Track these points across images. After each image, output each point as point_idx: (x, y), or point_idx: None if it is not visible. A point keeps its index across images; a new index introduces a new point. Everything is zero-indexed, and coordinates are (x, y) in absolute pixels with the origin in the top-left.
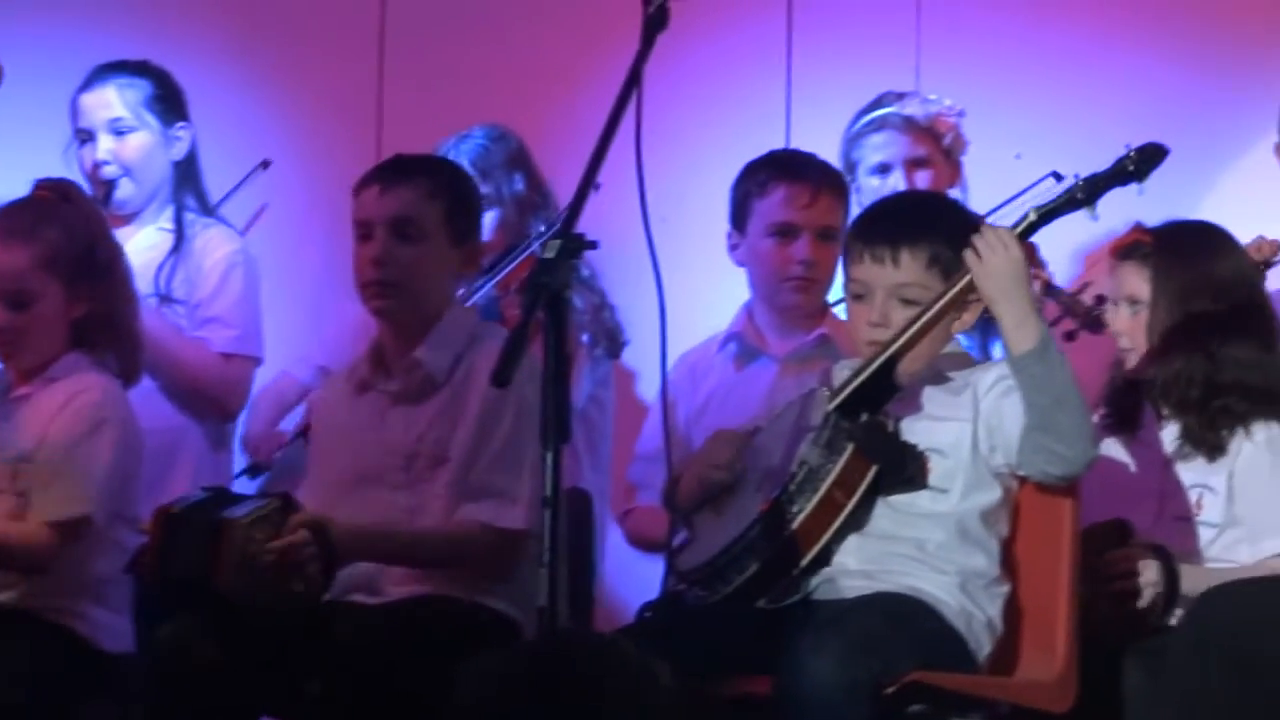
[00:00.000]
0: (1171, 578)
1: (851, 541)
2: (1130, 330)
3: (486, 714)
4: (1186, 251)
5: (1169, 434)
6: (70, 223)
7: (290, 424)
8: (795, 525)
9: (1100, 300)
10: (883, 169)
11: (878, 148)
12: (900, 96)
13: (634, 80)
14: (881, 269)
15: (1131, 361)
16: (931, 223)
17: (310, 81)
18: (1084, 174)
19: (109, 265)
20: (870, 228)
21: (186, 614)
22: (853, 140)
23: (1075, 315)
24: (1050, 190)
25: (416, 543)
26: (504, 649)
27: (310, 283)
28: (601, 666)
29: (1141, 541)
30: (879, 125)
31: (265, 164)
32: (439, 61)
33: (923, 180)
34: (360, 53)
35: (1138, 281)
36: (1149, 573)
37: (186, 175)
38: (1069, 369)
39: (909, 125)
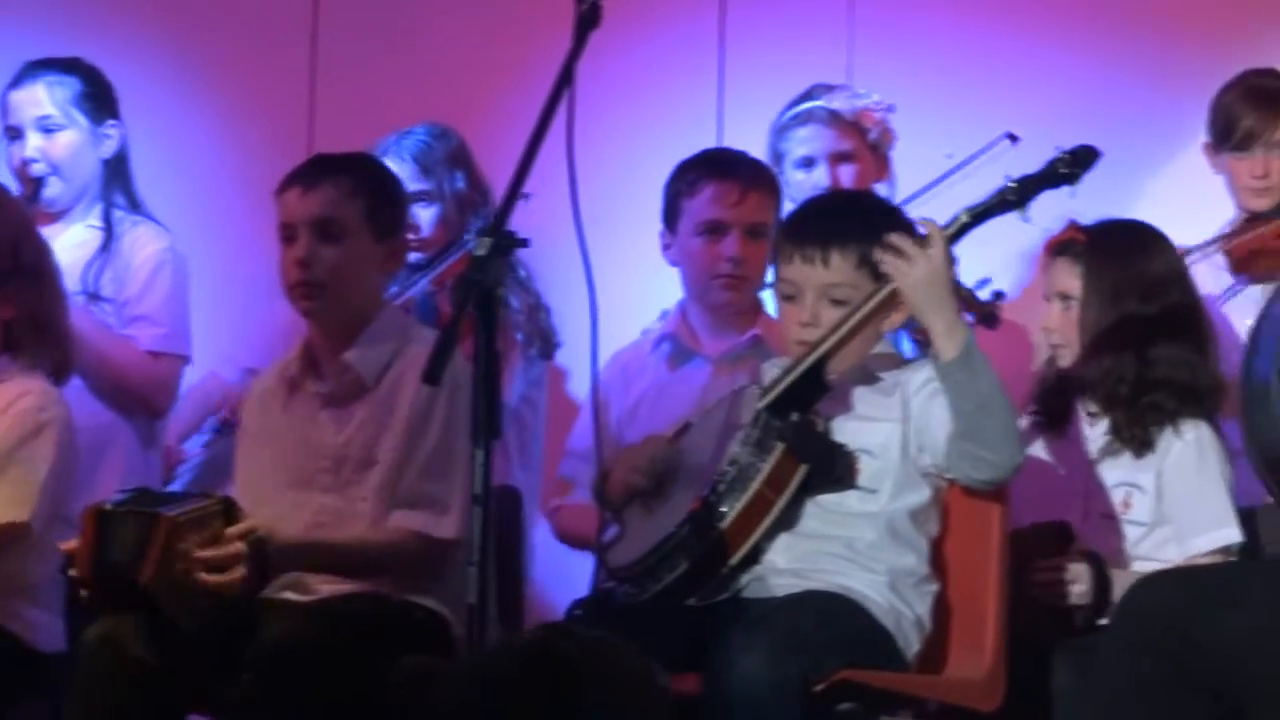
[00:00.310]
0: (1103, 584)
1: (781, 540)
2: (1061, 326)
3: (476, 714)
4: (1119, 250)
5: (1098, 431)
6: None
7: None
8: (725, 524)
9: (998, 296)
10: (807, 163)
11: (803, 141)
12: (829, 89)
13: (566, 79)
14: (811, 269)
15: (1063, 357)
16: (862, 223)
17: (242, 79)
18: (1016, 175)
19: (36, 264)
20: (800, 228)
21: (116, 613)
22: (779, 132)
23: (971, 309)
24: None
25: (350, 551)
26: (496, 647)
27: (240, 282)
28: (596, 666)
29: (1077, 547)
30: (804, 119)
31: None
32: (371, 60)
33: (847, 174)
34: (292, 51)
35: (1069, 277)
36: (1079, 582)
37: (116, 173)
38: (994, 375)
39: (834, 119)
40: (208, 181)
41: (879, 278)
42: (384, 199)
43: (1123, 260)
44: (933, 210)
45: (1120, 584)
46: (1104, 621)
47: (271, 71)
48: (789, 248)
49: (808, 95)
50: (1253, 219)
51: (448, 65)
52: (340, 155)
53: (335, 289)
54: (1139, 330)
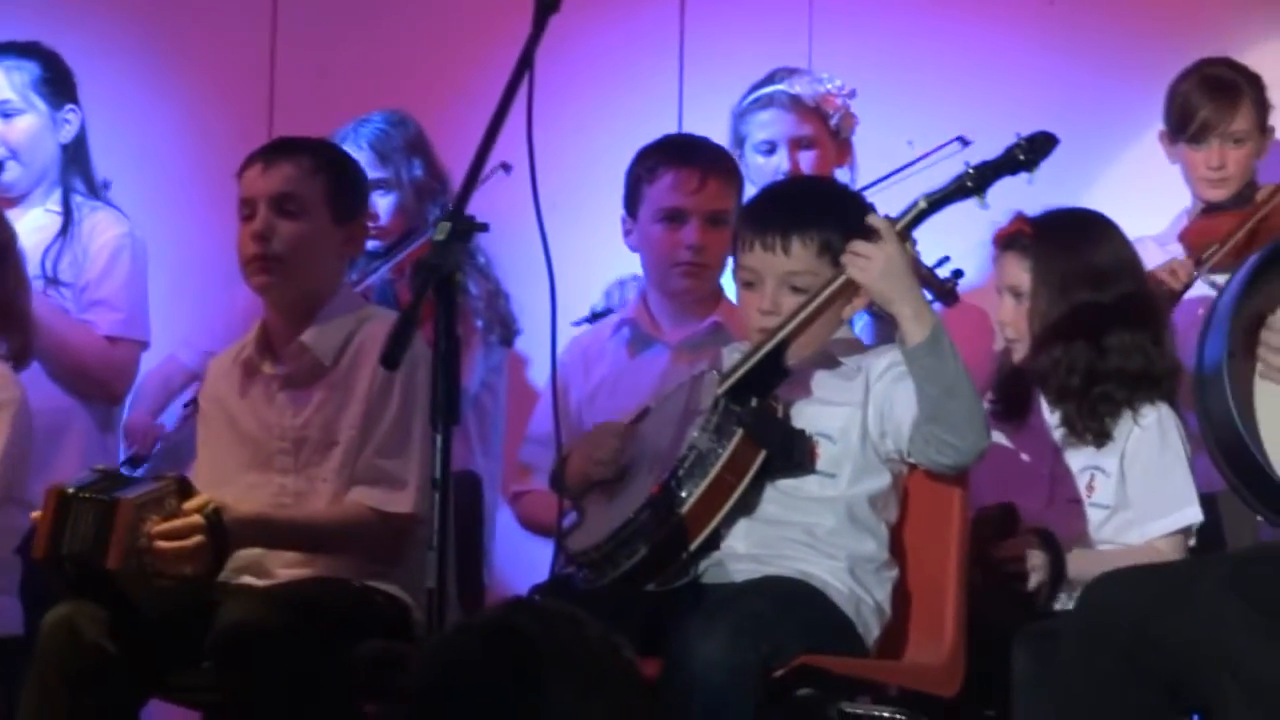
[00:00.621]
0: (1058, 562)
1: (740, 525)
2: (1014, 320)
3: (441, 693)
4: (1066, 241)
5: (1058, 417)
6: None
7: (173, 412)
8: (685, 509)
9: (957, 274)
10: (768, 147)
11: (763, 125)
12: (791, 74)
13: (525, 64)
14: (772, 257)
15: (1017, 351)
16: (822, 210)
17: (202, 66)
18: (974, 162)
19: (2, 250)
20: (760, 216)
21: (75, 597)
22: (740, 117)
23: (930, 286)
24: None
25: (307, 528)
26: (456, 626)
27: (199, 268)
28: (559, 640)
29: (1028, 527)
30: (766, 103)
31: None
32: (331, 47)
33: (807, 160)
34: (252, 38)
35: (1018, 271)
36: (1034, 559)
37: (75, 158)
38: (960, 361)
39: (795, 104)
40: (168, 168)
41: (839, 264)
42: (344, 181)
43: (1070, 251)
44: (891, 196)
45: (1074, 562)
46: (1060, 606)
47: (232, 58)
48: (749, 235)
49: (769, 80)
50: (1209, 209)
51: (408, 52)
52: (304, 138)
53: (291, 264)
54: (1093, 319)
